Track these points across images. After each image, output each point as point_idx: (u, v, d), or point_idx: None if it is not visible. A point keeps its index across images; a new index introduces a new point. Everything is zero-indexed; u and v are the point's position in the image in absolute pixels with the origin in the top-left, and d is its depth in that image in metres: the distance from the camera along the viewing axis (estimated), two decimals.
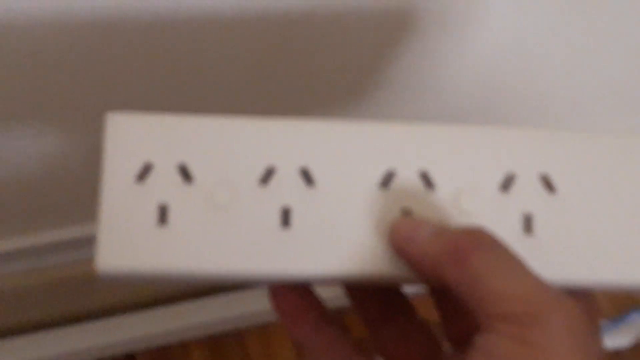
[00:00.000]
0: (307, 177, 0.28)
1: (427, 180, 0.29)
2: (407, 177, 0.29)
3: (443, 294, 0.33)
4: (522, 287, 0.25)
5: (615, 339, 0.77)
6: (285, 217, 0.28)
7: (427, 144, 0.29)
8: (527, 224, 0.29)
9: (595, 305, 0.30)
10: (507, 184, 0.29)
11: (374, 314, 0.33)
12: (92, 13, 0.47)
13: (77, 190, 0.64)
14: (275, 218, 0.28)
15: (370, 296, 0.33)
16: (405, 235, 0.28)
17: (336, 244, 0.28)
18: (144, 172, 0.28)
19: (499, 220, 0.28)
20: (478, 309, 0.25)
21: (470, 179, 0.29)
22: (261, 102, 0.61)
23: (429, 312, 0.34)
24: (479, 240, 0.26)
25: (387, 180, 0.28)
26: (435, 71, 0.63)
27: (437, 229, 0.27)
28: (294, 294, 0.31)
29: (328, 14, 0.54)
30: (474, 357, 0.25)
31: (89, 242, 0.66)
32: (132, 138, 0.28)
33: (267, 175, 0.28)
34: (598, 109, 0.78)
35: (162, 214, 0.27)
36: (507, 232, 0.28)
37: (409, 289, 0.32)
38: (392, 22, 0.56)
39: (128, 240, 0.27)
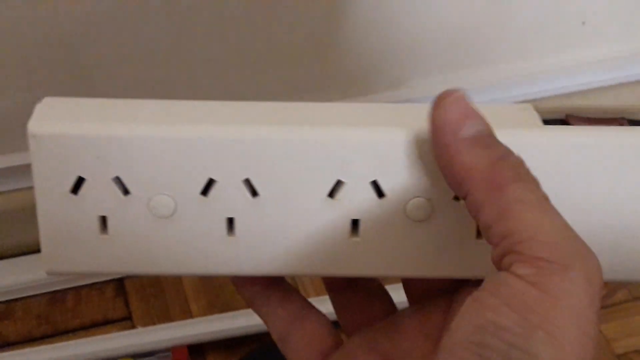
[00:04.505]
0: (250, 188, 0.27)
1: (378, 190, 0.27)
2: (359, 187, 0.27)
3: None
4: (551, 229, 0.24)
5: None
6: (230, 226, 0.27)
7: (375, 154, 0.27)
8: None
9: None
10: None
11: (335, 280, 0.33)
12: None
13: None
14: (221, 227, 0.27)
15: None
16: (453, 121, 0.25)
17: (283, 249, 0.28)
18: (77, 186, 0.26)
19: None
20: (498, 241, 0.24)
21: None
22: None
23: None
24: (518, 172, 0.25)
25: (335, 190, 0.27)
26: None
27: (484, 136, 0.25)
28: None
29: None
30: (482, 297, 0.24)
31: None
32: (61, 153, 0.26)
33: (208, 187, 0.27)
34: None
35: (103, 224, 0.27)
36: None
37: None
38: None
39: (70, 248, 0.27)
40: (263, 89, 0.72)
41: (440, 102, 0.25)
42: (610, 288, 0.74)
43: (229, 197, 0.27)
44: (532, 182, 0.25)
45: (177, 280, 0.80)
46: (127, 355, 0.71)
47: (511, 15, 0.74)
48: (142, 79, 0.67)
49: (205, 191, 0.27)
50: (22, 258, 0.78)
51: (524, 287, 0.23)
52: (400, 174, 0.27)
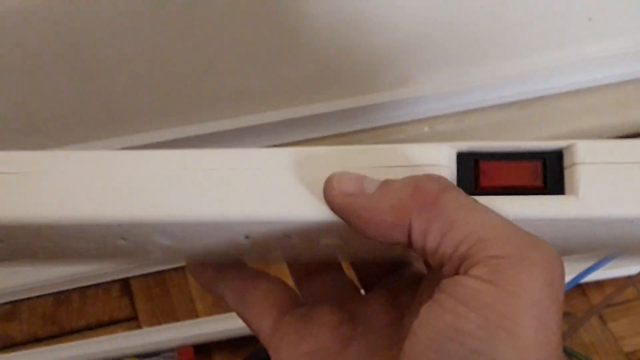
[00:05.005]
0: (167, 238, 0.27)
1: None
2: None
3: None
4: (498, 227, 0.23)
5: (627, 267, 0.74)
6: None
7: None
8: None
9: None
10: None
11: (300, 269, 0.34)
12: None
13: None
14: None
15: None
16: (350, 189, 0.25)
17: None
18: None
19: None
20: (451, 253, 0.23)
21: None
22: None
23: None
24: (442, 183, 0.25)
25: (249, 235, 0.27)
26: None
27: (388, 180, 0.25)
28: None
29: None
30: (440, 299, 0.23)
31: None
32: None
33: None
34: None
35: None
36: None
37: None
38: None
39: None
40: (266, 87, 0.72)
41: (329, 185, 0.25)
42: (619, 286, 0.74)
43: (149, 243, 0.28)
44: (457, 189, 0.25)
45: (182, 280, 0.80)
46: (133, 355, 0.71)
47: (517, 11, 0.74)
48: (143, 78, 0.67)
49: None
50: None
51: (480, 286, 0.22)
52: (307, 231, 0.27)
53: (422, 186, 0.24)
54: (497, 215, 0.24)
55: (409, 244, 0.25)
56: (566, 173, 0.26)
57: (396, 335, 0.28)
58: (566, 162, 0.26)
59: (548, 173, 0.26)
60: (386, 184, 0.25)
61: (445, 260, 0.24)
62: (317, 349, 0.29)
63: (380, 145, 0.27)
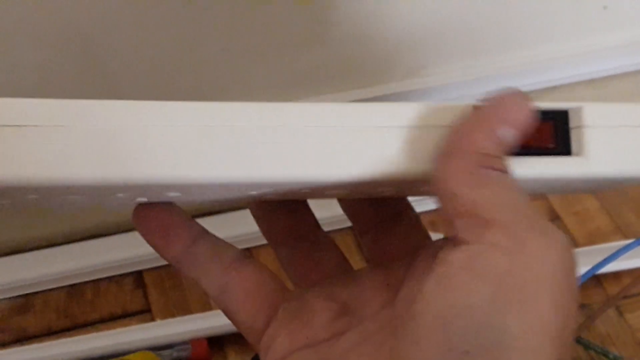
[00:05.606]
0: None
1: None
2: None
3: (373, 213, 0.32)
4: (521, 199, 0.23)
5: None
6: None
7: None
8: None
9: None
10: None
11: (281, 230, 0.32)
12: None
13: None
14: None
15: (277, 213, 0.32)
16: (511, 120, 0.24)
17: None
18: None
19: None
20: (472, 206, 0.23)
21: None
22: None
23: None
24: (509, 167, 0.25)
25: None
26: None
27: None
28: (163, 212, 0.29)
29: None
30: (450, 274, 0.22)
31: None
32: None
33: None
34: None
35: None
36: None
37: None
38: None
39: None
40: (281, 78, 0.71)
41: (523, 100, 0.25)
42: (636, 277, 0.73)
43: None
44: (512, 176, 0.24)
45: None
46: (146, 348, 0.70)
47: (531, 0, 0.73)
48: (157, 71, 0.67)
49: None
50: (41, 251, 0.78)
51: (497, 255, 0.22)
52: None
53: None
54: (528, 199, 0.24)
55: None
56: (573, 134, 0.26)
57: (388, 315, 0.27)
58: (572, 123, 0.26)
59: (558, 133, 0.26)
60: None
61: (463, 210, 0.23)
62: (310, 344, 0.28)
63: (403, 103, 0.27)
